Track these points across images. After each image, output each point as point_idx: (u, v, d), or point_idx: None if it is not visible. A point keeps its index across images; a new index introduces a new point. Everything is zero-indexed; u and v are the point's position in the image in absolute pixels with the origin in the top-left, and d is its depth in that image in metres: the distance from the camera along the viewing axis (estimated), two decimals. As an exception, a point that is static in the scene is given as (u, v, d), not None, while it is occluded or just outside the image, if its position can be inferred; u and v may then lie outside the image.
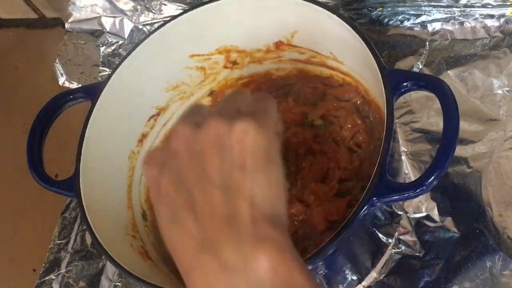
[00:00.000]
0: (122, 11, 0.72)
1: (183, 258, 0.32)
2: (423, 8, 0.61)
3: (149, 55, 0.55)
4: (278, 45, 0.58)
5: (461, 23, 0.60)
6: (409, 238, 0.51)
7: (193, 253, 0.31)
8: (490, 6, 0.59)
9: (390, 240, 0.51)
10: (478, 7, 0.59)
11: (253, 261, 0.29)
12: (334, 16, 0.49)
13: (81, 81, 0.72)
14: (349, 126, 0.53)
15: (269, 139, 0.32)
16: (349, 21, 0.48)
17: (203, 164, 0.32)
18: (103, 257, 0.59)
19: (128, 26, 0.73)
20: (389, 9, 0.63)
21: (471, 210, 0.51)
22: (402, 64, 0.60)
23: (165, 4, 0.70)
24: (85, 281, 0.59)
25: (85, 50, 0.74)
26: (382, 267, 0.51)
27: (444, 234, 0.50)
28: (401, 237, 0.51)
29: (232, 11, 0.56)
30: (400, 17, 0.63)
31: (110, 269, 0.59)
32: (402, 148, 0.55)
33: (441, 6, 0.60)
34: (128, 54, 0.55)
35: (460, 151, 0.53)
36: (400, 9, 0.62)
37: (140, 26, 0.72)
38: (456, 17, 0.60)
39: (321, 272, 0.48)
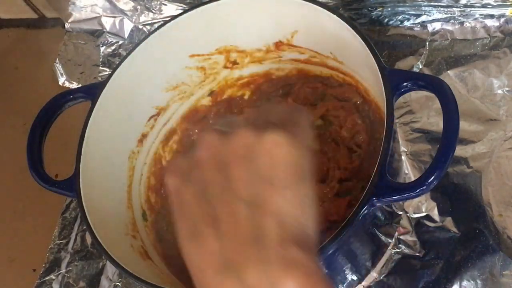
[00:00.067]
0: (122, 11, 0.72)
1: (202, 277, 0.29)
2: (423, 8, 0.61)
3: (149, 55, 0.55)
4: (278, 45, 0.58)
5: (461, 23, 0.60)
6: (409, 238, 0.51)
7: (213, 273, 0.28)
8: (490, 6, 0.59)
9: (390, 240, 0.51)
10: (478, 7, 0.59)
11: (280, 286, 0.27)
12: (334, 16, 0.49)
13: (81, 81, 0.72)
14: (349, 126, 0.53)
15: (301, 153, 0.30)
16: (349, 21, 0.48)
17: (229, 176, 0.30)
18: (103, 257, 0.59)
19: (128, 26, 0.73)
20: (389, 9, 0.63)
21: (471, 210, 0.51)
22: (402, 64, 0.60)
23: (165, 4, 0.70)
24: (85, 281, 0.59)
25: (85, 50, 0.74)
26: (382, 267, 0.51)
27: (444, 234, 0.50)
28: (401, 237, 0.51)
29: (232, 11, 0.56)
30: (400, 17, 0.63)
31: (110, 269, 0.59)
32: (402, 148, 0.55)
33: (441, 6, 0.60)
34: (128, 54, 0.55)
35: (460, 151, 0.53)
36: (400, 9, 0.62)
37: (140, 26, 0.72)
38: (456, 17, 0.60)
39: (321, 272, 0.48)
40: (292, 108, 0.34)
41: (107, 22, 0.73)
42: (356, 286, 0.51)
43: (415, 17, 0.62)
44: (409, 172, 0.54)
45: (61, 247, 0.61)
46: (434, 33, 0.61)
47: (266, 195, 0.29)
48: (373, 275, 0.51)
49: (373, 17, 0.63)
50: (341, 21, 0.49)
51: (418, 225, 0.51)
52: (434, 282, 0.49)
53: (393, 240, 0.51)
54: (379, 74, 0.44)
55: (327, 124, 0.55)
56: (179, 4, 0.69)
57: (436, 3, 0.60)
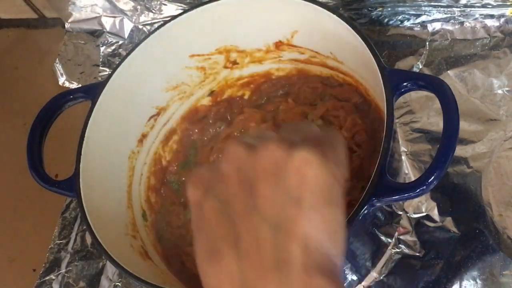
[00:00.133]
0: (122, 11, 0.72)
1: None
2: (423, 8, 0.61)
3: (149, 55, 0.55)
4: (278, 45, 0.58)
5: (461, 23, 0.60)
6: (409, 238, 0.51)
7: None
8: (490, 6, 0.59)
9: (390, 240, 0.51)
10: (478, 7, 0.59)
11: None
12: (334, 16, 0.49)
13: (81, 81, 0.72)
14: (349, 126, 0.53)
15: (333, 175, 0.28)
16: (349, 21, 0.48)
17: (254, 193, 0.28)
18: (103, 257, 0.59)
19: (128, 26, 0.73)
20: (389, 9, 0.63)
21: (471, 210, 0.51)
22: (402, 64, 0.60)
23: (165, 4, 0.70)
24: (85, 281, 0.59)
25: (85, 50, 0.74)
26: (382, 267, 0.51)
27: (444, 234, 0.50)
28: (401, 237, 0.51)
29: (232, 11, 0.56)
30: (400, 17, 0.63)
31: (110, 269, 0.59)
32: (402, 148, 0.55)
33: (441, 6, 0.60)
34: (128, 54, 0.55)
35: (460, 151, 0.53)
36: (400, 9, 0.62)
37: (140, 26, 0.72)
38: (456, 17, 0.60)
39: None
40: (329, 130, 0.32)
41: (107, 22, 0.73)
42: (356, 286, 0.51)
43: (415, 17, 0.62)
44: (409, 172, 0.54)
45: (61, 247, 0.61)
46: (434, 33, 0.61)
47: (292, 217, 0.27)
48: (373, 275, 0.51)
49: (373, 17, 0.63)
50: (341, 21, 0.49)
51: (418, 225, 0.51)
52: (434, 282, 0.49)
53: (393, 240, 0.51)
54: (379, 74, 0.44)
55: (327, 124, 0.55)
56: (179, 4, 0.69)
57: (436, 3, 0.60)
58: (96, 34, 0.74)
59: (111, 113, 0.54)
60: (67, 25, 0.75)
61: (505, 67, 0.56)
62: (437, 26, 0.61)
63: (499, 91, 0.55)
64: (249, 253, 0.27)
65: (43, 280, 0.60)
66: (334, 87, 0.57)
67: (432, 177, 0.39)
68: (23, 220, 0.67)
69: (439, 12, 0.61)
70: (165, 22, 0.55)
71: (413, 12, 0.62)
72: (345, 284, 0.51)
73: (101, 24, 0.74)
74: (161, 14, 0.71)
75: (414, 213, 0.52)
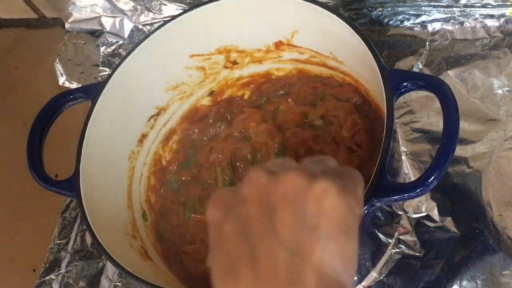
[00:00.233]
0: (122, 11, 0.72)
1: None
2: (423, 8, 0.61)
3: (149, 55, 0.55)
4: (278, 45, 0.58)
5: (461, 23, 0.60)
6: (409, 238, 0.51)
7: None
8: (490, 6, 0.59)
9: (390, 240, 0.51)
10: (478, 7, 0.59)
11: None
12: (334, 16, 0.49)
13: (81, 81, 0.72)
14: (349, 126, 0.53)
15: (350, 207, 0.30)
16: (349, 21, 0.48)
17: (273, 218, 0.29)
18: (103, 257, 0.59)
19: (128, 26, 0.73)
20: (389, 9, 0.63)
21: (471, 210, 0.51)
22: (402, 64, 0.60)
23: (165, 4, 0.70)
24: (85, 281, 0.59)
25: (85, 50, 0.74)
26: (382, 267, 0.51)
27: (444, 234, 0.50)
28: (401, 237, 0.51)
29: (232, 11, 0.56)
30: (400, 17, 0.63)
31: (110, 269, 0.59)
32: (402, 148, 0.55)
33: (441, 6, 0.60)
34: (128, 54, 0.55)
35: (460, 151, 0.53)
36: (400, 9, 0.62)
37: (140, 26, 0.72)
38: (456, 17, 0.60)
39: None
40: (349, 168, 0.33)
41: (107, 22, 0.73)
42: (356, 286, 0.51)
43: (415, 17, 0.62)
44: (409, 172, 0.54)
45: (61, 247, 0.61)
46: (434, 33, 0.61)
47: (308, 243, 0.28)
48: (373, 275, 0.51)
49: (373, 17, 0.63)
50: (341, 21, 0.49)
51: (418, 225, 0.51)
52: (434, 282, 0.49)
53: (393, 240, 0.51)
54: (379, 74, 0.44)
55: (327, 124, 0.55)
56: (179, 4, 0.69)
57: (436, 3, 0.60)
58: (96, 34, 0.75)
59: (111, 113, 0.54)
60: (67, 25, 0.75)
61: (505, 67, 0.56)
62: (437, 26, 0.61)
63: (499, 91, 0.55)
64: (265, 274, 0.28)
65: (43, 280, 0.60)
66: (334, 87, 0.57)
67: (432, 177, 0.39)
68: (23, 220, 0.67)
69: (439, 12, 0.61)
70: (165, 22, 0.55)
71: (413, 12, 0.62)
72: (345, 284, 0.51)
73: (101, 24, 0.74)
74: (161, 14, 0.71)
75: (414, 213, 0.52)
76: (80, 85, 0.70)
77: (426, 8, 0.61)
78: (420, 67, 0.59)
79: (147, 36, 0.55)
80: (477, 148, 0.53)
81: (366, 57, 0.46)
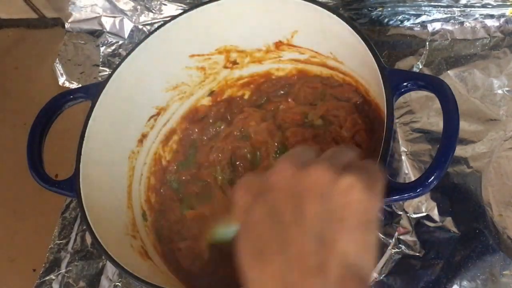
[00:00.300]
0: (122, 11, 0.72)
1: None
2: (423, 8, 0.61)
3: (149, 55, 0.55)
4: (278, 45, 0.58)
5: (461, 23, 0.60)
6: (409, 238, 0.51)
7: None
8: (490, 6, 0.59)
9: (390, 240, 0.51)
10: (478, 7, 0.59)
11: None
12: (334, 16, 0.49)
13: (81, 81, 0.72)
14: (349, 126, 0.53)
15: (373, 201, 0.32)
16: (349, 21, 0.48)
17: (302, 207, 0.31)
18: (103, 257, 0.59)
19: (128, 26, 0.73)
20: (389, 9, 0.63)
21: (471, 210, 0.51)
22: (402, 64, 0.60)
23: (165, 4, 0.70)
24: (85, 281, 0.59)
25: (85, 50, 0.74)
26: (382, 267, 0.51)
27: (444, 234, 0.50)
28: (401, 237, 0.51)
29: (232, 11, 0.56)
30: (400, 17, 0.63)
31: (110, 269, 0.59)
32: (402, 148, 0.55)
33: (441, 6, 0.60)
34: (128, 54, 0.55)
35: (460, 151, 0.53)
36: (400, 9, 0.62)
37: (140, 26, 0.72)
38: (456, 17, 0.60)
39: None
40: (372, 164, 0.35)
41: (107, 22, 0.73)
42: (356, 286, 0.51)
43: (415, 17, 0.62)
44: (409, 172, 0.54)
45: (61, 247, 0.61)
46: (434, 33, 0.61)
47: (335, 233, 0.30)
48: (373, 275, 0.51)
49: (373, 17, 0.63)
50: (341, 21, 0.49)
51: (418, 225, 0.51)
52: (434, 282, 0.49)
53: (393, 240, 0.51)
54: (379, 74, 0.44)
55: (327, 123, 0.55)
56: (179, 4, 0.69)
57: (436, 3, 0.60)
58: (96, 34, 0.74)
59: (111, 113, 0.54)
60: (67, 25, 0.75)
61: (505, 67, 0.56)
62: (437, 26, 0.61)
63: (499, 91, 0.55)
64: (295, 260, 0.30)
65: (43, 280, 0.60)
66: (334, 87, 0.57)
67: (432, 177, 0.39)
68: (23, 220, 0.67)
69: (439, 12, 0.61)
70: (165, 22, 0.55)
71: (413, 12, 0.62)
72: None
73: (101, 24, 0.74)
74: (161, 14, 0.71)
75: (414, 213, 0.52)
76: (80, 85, 0.70)
77: (426, 8, 0.61)
78: (420, 67, 0.59)
79: (147, 36, 0.55)
80: (477, 148, 0.53)
81: (366, 57, 0.46)
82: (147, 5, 0.71)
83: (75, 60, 0.74)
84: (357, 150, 0.38)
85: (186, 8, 0.63)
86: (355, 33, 0.47)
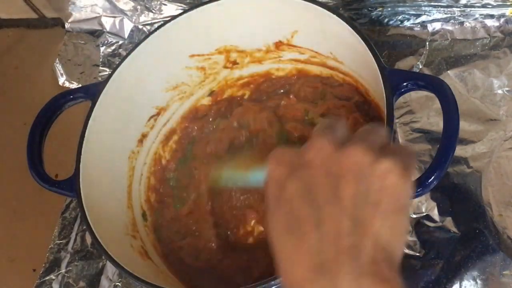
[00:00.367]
0: (122, 11, 0.72)
1: (292, 271, 0.31)
2: (423, 8, 0.61)
3: (149, 55, 0.55)
4: (278, 45, 0.58)
5: (461, 23, 0.60)
6: (409, 238, 0.51)
7: (307, 271, 0.30)
8: (490, 6, 0.59)
9: (390, 240, 0.51)
10: (478, 7, 0.59)
11: None
12: (334, 16, 0.49)
13: (81, 81, 0.72)
14: (351, 125, 0.53)
15: (407, 187, 0.32)
16: (349, 21, 0.48)
17: (338, 187, 0.31)
18: (103, 257, 0.59)
19: (128, 26, 0.73)
20: (389, 9, 0.63)
21: (471, 210, 0.51)
22: (402, 64, 0.60)
23: (165, 4, 0.70)
24: (85, 281, 0.59)
25: (85, 50, 0.74)
26: (382, 267, 0.51)
27: (444, 234, 0.50)
28: (401, 237, 0.51)
29: (232, 11, 0.56)
30: (400, 17, 0.63)
31: (110, 269, 0.59)
32: (402, 148, 0.55)
33: (441, 6, 0.60)
34: (128, 54, 0.55)
35: (460, 151, 0.53)
36: (400, 9, 0.62)
37: (140, 26, 0.72)
38: (456, 17, 0.61)
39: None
40: (407, 149, 0.35)
41: (107, 22, 0.73)
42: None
43: (415, 17, 0.62)
44: (409, 172, 0.54)
45: (61, 247, 0.61)
46: (434, 33, 0.61)
47: (369, 215, 0.30)
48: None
49: (373, 17, 0.63)
50: (341, 21, 0.49)
51: (418, 225, 0.51)
52: (434, 282, 0.49)
53: (393, 240, 0.51)
54: (379, 74, 0.44)
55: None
56: (179, 4, 0.69)
57: (436, 3, 0.60)
58: (96, 34, 0.74)
59: (111, 113, 0.54)
60: (67, 25, 0.75)
61: (505, 67, 0.56)
62: (437, 26, 0.61)
63: (499, 91, 0.55)
64: (329, 237, 0.30)
65: (43, 280, 0.60)
66: (335, 87, 0.57)
67: (432, 177, 0.39)
68: (23, 220, 0.67)
69: (439, 12, 0.61)
70: (165, 22, 0.55)
71: (413, 12, 0.62)
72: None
73: (101, 24, 0.74)
74: (161, 14, 0.71)
75: (414, 213, 0.52)
76: (80, 85, 0.70)
77: (426, 8, 0.61)
78: (420, 67, 0.59)
79: (147, 36, 0.55)
80: (477, 148, 0.53)
81: (366, 57, 0.46)
82: (147, 5, 0.71)
83: (75, 60, 0.74)
84: (385, 128, 0.39)
85: (186, 8, 0.63)
86: (355, 33, 0.47)
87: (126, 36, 0.73)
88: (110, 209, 0.53)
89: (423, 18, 0.62)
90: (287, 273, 0.31)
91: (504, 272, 0.48)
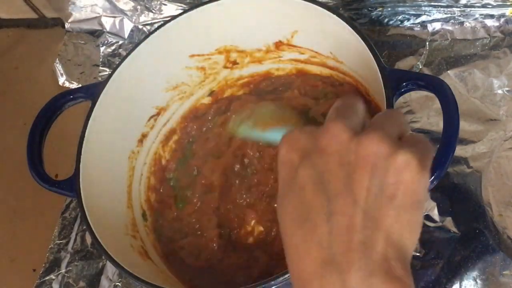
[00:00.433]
0: (122, 11, 0.72)
1: (301, 264, 0.30)
2: (423, 8, 0.61)
3: (149, 55, 0.55)
4: (278, 45, 0.58)
5: (461, 23, 0.60)
6: (409, 238, 0.51)
7: (316, 263, 0.29)
8: (490, 6, 0.59)
9: (390, 240, 0.51)
10: (478, 7, 0.59)
11: None
12: (334, 16, 0.49)
13: (81, 81, 0.72)
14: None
15: (424, 182, 0.30)
16: (349, 21, 0.48)
17: (352, 178, 0.30)
18: (103, 257, 0.59)
19: (128, 26, 0.73)
20: (389, 9, 0.63)
21: (471, 210, 0.51)
22: (402, 64, 0.60)
23: (165, 4, 0.70)
24: (85, 281, 0.59)
25: (85, 50, 0.74)
26: (382, 267, 0.51)
27: (444, 234, 0.50)
28: (401, 237, 0.51)
29: (232, 11, 0.56)
30: (400, 17, 0.63)
31: (110, 269, 0.59)
32: (402, 148, 0.55)
33: (441, 6, 0.60)
34: (128, 54, 0.55)
35: (460, 151, 0.53)
36: (400, 9, 0.62)
37: (140, 26, 0.72)
38: (456, 17, 0.60)
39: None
40: (425, 140, 0.33)
41: (107, 22, 0.73)
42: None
43: (415, 17, 0.62)
44: (409, 172, 0.54)
45: (61, 247, 0.61)
46: (434, 33, 0.61)
47: (383, 210, 0.29)
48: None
49: (373, 17, 0.63)
50: (341, 21, 0.49)
51: (418, 225, 0.51)
52: (434, 282, 0.49)
53: (393, 240, 0.51)
54: (379, 74, 0.44)
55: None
56: (179, 4, 0.69)
57: (436, 3, 0.60)
58: (96, 34, 0.74)
59: (111, 113, 0.54)
60: (67, 25, 0.75)
61: (505, 67, 0.56)
62: (437, 26, 0.61)
63: (499, 91, 0.55)
64: (340, 231, 0.29)
65: (43, 280, 0.60)
66: (335, 86, 0.57)
67: (432, 177, 0.39)
68: (23, 220, 0.67)
69: (439, 12, 0.61)
70: (165, 22, 0.55)
71: (413, 12, 0.62)
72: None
73: (101, 24, 0.74)
74: (161, 14, 0.71)
75: (414, 213, 0.52)
76: (80, 85, 0.70)
77: (426, 8, 0.61)
78: (420, 67, 0.59)
79: (147, 36, 0.55)
80: (477, 148, 0.53)
81: (366, 57, 0.46)
82: (147, 5, 0.71)
83: (75, 60, 0.74)
84: (402, 113, 0.37)
85: (186, 8, 0.63)
86: (355, 33, 0.47)
87: (126, 36, 0.73)
88: (110, 209, 0.53)
89: (423, 18, 0.62)
90: (295, 265, 0.30)
91: (504, 272, 0.48)
